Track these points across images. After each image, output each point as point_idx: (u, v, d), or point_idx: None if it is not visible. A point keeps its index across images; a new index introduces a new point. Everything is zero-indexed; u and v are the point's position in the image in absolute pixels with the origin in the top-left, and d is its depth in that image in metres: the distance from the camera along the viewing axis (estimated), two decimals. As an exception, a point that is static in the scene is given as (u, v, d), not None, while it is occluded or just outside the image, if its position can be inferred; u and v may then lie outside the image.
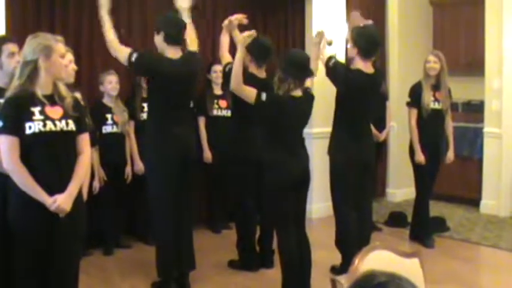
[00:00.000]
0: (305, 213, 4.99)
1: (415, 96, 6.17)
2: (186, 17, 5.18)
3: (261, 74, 5.51)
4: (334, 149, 5.36)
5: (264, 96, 4.63)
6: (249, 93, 4.69)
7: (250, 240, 5.63)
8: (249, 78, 5.16)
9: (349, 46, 5.53)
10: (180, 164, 4.92)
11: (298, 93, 4.71)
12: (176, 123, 4.92)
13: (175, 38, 4.91)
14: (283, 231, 4.81)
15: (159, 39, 4.94)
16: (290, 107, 4.66)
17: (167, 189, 4.91)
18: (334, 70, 5.32)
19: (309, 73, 4.81)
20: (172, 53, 4.91)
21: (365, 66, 5.27)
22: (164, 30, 4.89)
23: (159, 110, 4.96)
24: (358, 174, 5.26)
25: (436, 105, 6.13)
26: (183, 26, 4.98)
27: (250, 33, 4.81)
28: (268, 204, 5.00)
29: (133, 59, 4.78)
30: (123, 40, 6.19)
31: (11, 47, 4.08)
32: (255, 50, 5.41)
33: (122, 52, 4.84)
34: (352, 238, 5.22)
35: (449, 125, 6.36)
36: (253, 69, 5.50)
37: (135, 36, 6.53)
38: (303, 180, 4.81)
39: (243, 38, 4.81)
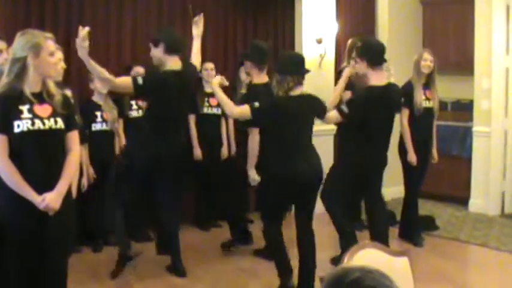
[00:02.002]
0: (313, 211, 4.95)
1: (406, 95, 6.14)
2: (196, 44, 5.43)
3: (264, 79, 5.49)
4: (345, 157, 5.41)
5: (256, 104, 4.62)
6: (244, 111, 4.66)
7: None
8: (254, 90, 5.34)
9: (357, 65, 5.25)
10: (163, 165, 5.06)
11: (296, 91, 4.68)
12: (172, 131, 5.07)
13: (175, 47, 5.02)
14: (269, 222, 4.88)
15: (158, 51, 5.03)
16: (288, 107, 4.64)
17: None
18: (351, 115, 5.10)
19: (305, 69, 4.78)
20: (173, 62, 5.01)
21: (378, 79, 5.14)
22: (164, 41, 4.99)
23: (159, 119, 5.07)
24: (363, 177, 5.36)
25: (428, 104, 6.14)
26: (181, 36, 5.16)
27: (221, 81, 4.81)
28: (260, 196, 5.03)
29: (140, 82, 4.84)
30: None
31: None
32: (254, 55, 5.43)
33: (123, 82, 4.87)
34: (348, 233, 5.31)
35: (435, 124, 6.38)
36: (255, 77, 5.49)
37: (125, 44, 6.55)
38: (305, 184, 4.73)
39: (216, 85, 4.79)
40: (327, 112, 4.95)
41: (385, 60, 5.20)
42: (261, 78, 5.49)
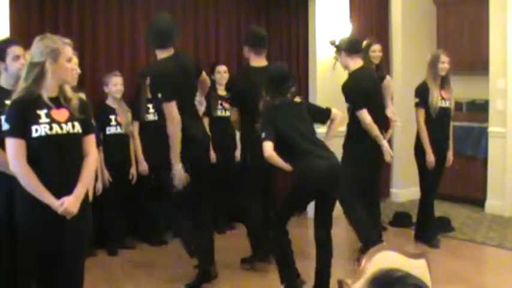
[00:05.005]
0: (331, 214, 4.94)
1: (422, 96, 6.13)
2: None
3: (262, 62, 5.53)
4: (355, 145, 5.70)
5: (263, 134, 4.63)
6: (270, 147, 4.58)
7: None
8: (251, 72, 5.43)
9: (341, 59, 5.92)
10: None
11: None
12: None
13: (163, 40, 4.91)
14: (282, 229, 4.86)
15: (156, 50, 4.99)
16: (283, 111, 4.75)
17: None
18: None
19: (287, 86, 4.83)
20: (166, 54, 4.93)
21: (356, 64, 5.74)
22: (151, 38, 4.96)
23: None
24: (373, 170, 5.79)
25: (443, 104, 6.11)
26: (171, 27, 4.95)
27: None
28: (287, 199, 5.00)
29: (163, 99, 4.79)
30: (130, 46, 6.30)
31: (16, 49, 4.08)
32: (251, 39, 5.55)
33: (170, 116, 4.78)
34: (366, 223, 5.68)
35: (451, 125, 6.35)
36: (253, 60, 5.54)
37: (140, 48, 6.57)
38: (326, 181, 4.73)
39: None
40: (330, 112, 5.04)
41: (361, 50, 5.94)
42: (258, 62, 5.53)
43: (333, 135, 5.11)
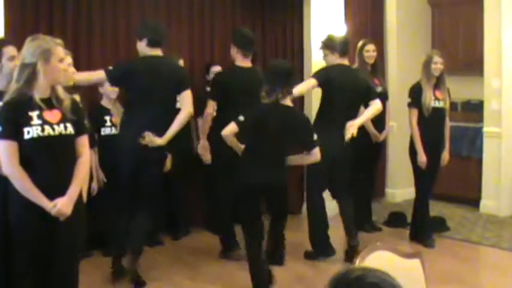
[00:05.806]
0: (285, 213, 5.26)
1: (415, 96, 6.14)
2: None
3: (247, 64, 5.73)
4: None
5: (241, 117, 4.67)
6: (231, 128, 4.71)
7: None
8: (236, 70, 5.66)
9: (327, 58, 5.95)
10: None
11: (287, 102, 4.80)
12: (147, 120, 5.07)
13: (158, 41, 5.16)
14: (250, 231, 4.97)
15: (142, 45, 5.18)
16: (272, 114, 4.75)
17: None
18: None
19: (295, 80, 4.89)
20: (153, 53, 5.17)
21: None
22: (148, 36, 5.13)
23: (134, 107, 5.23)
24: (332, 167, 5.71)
25: (437, 104, 6.12)
26: (164, 30, 5.36)
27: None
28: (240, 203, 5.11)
29: (109, 68, 5.12)
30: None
31: (11, 50, 4.07)
32: (239, 41, 5.71)
33: (95, 74, 5.22)
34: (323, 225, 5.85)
35: (447, 125, 6.36)
36: (239, 61, 5.72)
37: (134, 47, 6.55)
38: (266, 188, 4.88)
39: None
40: (314, 146, 4.89)
41: (349, 51, 6.00)
42: (243, 63, 5.72)
43: (293, 164, 5.10)
